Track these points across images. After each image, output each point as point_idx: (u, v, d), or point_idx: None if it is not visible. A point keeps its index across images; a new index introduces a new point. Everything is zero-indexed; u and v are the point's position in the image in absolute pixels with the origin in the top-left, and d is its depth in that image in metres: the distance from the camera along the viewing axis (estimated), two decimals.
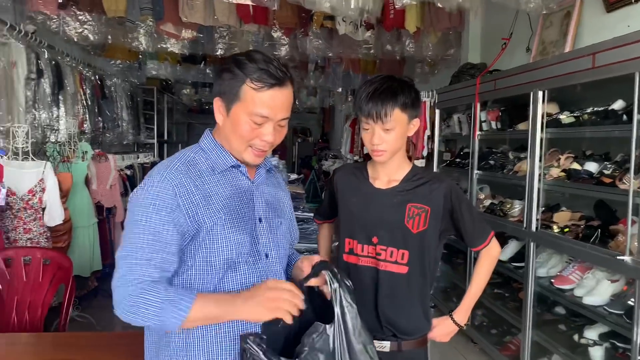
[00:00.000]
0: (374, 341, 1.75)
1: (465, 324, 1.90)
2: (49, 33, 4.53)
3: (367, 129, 1.73)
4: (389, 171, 1.82)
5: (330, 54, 5.19)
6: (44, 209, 3.37)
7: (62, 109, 4.72)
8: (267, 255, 1.42)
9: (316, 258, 1.43)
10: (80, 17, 4.34)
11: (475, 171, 4.06)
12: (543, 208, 3.22)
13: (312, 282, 1.37)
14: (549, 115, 3.11)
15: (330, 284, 1.30)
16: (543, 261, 3.24)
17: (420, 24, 4.58)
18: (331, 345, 1.24)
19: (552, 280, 3.00)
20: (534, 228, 3.15)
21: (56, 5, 4.05)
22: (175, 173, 1.32)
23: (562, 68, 2.90)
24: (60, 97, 4.69)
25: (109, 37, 4.80)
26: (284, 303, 1.24)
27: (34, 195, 3.28)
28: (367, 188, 1.84)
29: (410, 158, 4.89)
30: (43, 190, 3.31)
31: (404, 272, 1.77)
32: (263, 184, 1.50)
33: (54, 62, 4.56)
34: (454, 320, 1.87)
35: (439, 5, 3.30)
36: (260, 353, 1.17)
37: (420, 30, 4.74)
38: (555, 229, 3.03)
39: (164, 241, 1.27)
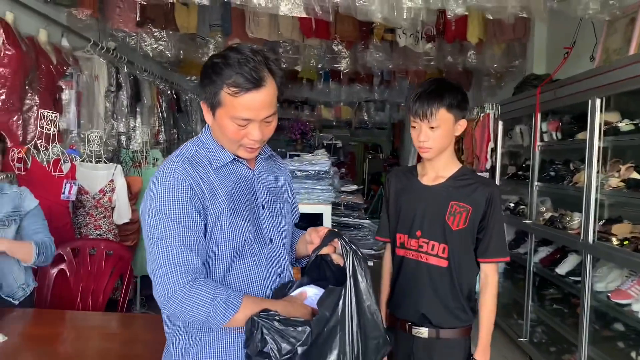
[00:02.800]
0: (413, 327, 1.88)
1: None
2: (128, 49, 4.90)
3: (415, 127, 1.86)
4: (437, 168, 1.93)
5: (390, 66, 5.25)
6: (113, 208, 3.63)
7: (139, 119, 5.05)
8: (271, 240, 1.48)
9: (323, 229, 1.50)
10: (155, 34, 4.67)
11: (536, 183, 3.95)
12: (603, 220, 3.08)
13: (324, 250, 1.45)
14: (608, 123, 3.00)
15: (344, 250, 1.36)
16: (602, 275, 3.09)
17: (483, 35, 4.55)
18: (341, 306, 1.30)
19: (609, 294, 2.87)
20: (590, 240, 3.02)
21: (134, 23, 4.41)
22: (183, 165, 1.36)
23: (620, 74, 2.78)
24: (137, 108, 5.03)
25: (182, 52, 5.11)
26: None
27: (104, 194, 3.54)
28: (415, 185, 1.97)
29: None
30: (113, 190, 3.58)
31: (445, 265, 1.86)
32: (264, 171, 1.54)
33: (132, 77, 4.91)
34: None
35: (489, 16, 3.27)
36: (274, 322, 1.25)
37: (483, 42, 4.71)
38: (615, 241, 2.89)
39: (194, 228, 1.32)
